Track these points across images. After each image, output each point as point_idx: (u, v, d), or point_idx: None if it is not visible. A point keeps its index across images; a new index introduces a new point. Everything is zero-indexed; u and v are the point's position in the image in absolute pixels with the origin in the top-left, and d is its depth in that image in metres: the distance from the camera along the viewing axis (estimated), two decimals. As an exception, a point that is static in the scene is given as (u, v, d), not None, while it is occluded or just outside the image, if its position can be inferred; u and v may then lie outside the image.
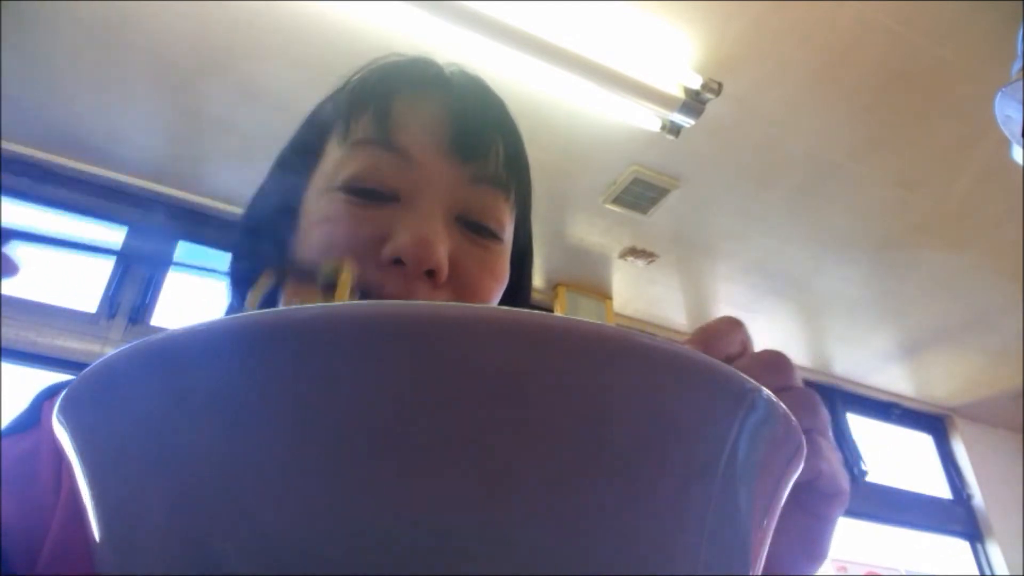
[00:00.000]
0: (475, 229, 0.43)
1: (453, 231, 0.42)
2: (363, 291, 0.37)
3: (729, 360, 0.29)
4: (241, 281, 0.46)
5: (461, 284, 0.42)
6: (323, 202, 0.42)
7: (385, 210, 0.41)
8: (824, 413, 0.30)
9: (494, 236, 0.44)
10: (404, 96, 0.45)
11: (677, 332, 2.75)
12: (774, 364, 0.30)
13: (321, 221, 0.42)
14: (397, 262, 0.39)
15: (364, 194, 0.41)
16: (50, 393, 0.44)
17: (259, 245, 0.46)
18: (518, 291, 0.50)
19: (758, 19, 1.59)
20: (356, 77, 0.48)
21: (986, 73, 1.61)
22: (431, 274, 0.39)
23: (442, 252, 0.40)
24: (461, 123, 0.44)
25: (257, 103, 1.74)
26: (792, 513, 0.29)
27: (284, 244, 0.44)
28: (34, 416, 0.42)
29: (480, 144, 0.44)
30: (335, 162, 0.43)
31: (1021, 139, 1.30)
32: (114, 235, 2.05)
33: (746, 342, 0.30)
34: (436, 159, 0.43)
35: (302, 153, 0.47)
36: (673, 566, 0.17)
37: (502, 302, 0.47)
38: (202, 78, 1.72)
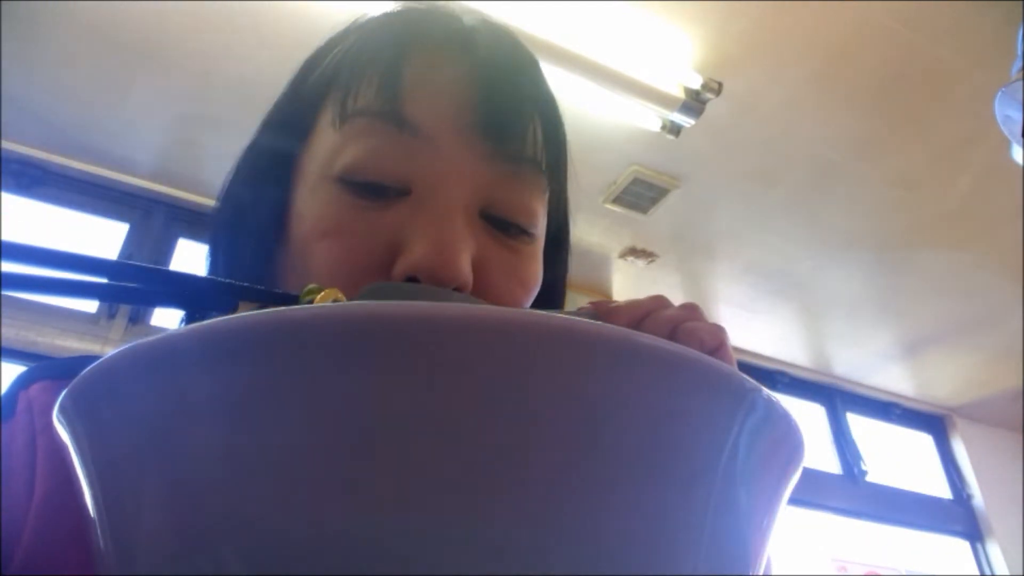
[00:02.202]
0: (503, 227, 0.36)
1: (477, 229, 0.35)
2: None
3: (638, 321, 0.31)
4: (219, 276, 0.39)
5: (484, 299, 0.35)
6: (317, 200, 0.35)
7: (394, 209, 0.34)
8: (729, 347, 0.32)
9: (525, 233, 0.37)
10: (416, 56, 0.36)
11: (677, 332, 2.74)
12: (688, 306, 0.32)
13: (315, 234, 0.35)
14: (412, 280, 0.33)
15: (367, 189, 0.34)
16: (25, 382, 0.38)
17: (239, 243, 0.40)
18: (549, 288, 0.42)
19: (758, 19, 1.59)
20: (356, 27, 0.40)
21: (986, 73, 1.61)
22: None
23: (466, 265, 0.33)
24: (489, 93, 0.36)
25: (257, 103, 1.74)
26: None
27: (268, 243, 0.38)
28: (9, 409, 0.37)
29: (513, 120, 0.36)
30: (330, 144, 0.36)
31: (1021, 139, 1.30)
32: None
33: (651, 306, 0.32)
34: (456, 139, 0.35)
35: (289, 125, 0.39)
36: (673, 566, 0.17)
37: (537, 301, 0.40)
38: (202, 78, 1.72)
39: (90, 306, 1.95)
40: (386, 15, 0.40)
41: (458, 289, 0.33)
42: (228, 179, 0.42)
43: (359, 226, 0.34)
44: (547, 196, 0.39)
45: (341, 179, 0.35)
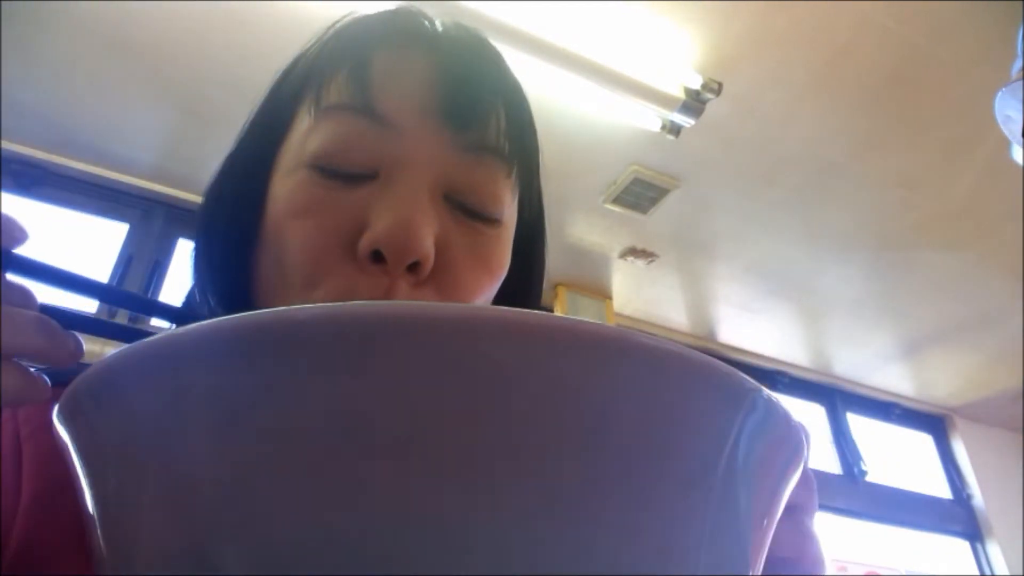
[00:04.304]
0: (468, 211, 0.38)
1: (441, 212, 0.37)
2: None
3: None
4: (203, 270, 0.42)
5: (447, 279, 0.36)
6: (288, 185, 0.37)
7: (360, 191, 0.36)
8: (816, 496, 0.32)
9: (490, 218, 0.38)
10: (385, 52, 0.38)
11: (677, 332, 2.75)
12: None
13: (286, 215, 0.36)
14: (377, 256, 0.34)
15: (334, 173, 0.36)
16: None
17: (219, 233, 0.41)
18: (526, 281, 0.44)
19: (758, 19, 1.59)
20: (331, 30, 0.42)
21: (986, 73, 1.61)
22: (415, 266, 0.34)
23: (428, 240, 0.34)
24: (453, 82, 0.38)
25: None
26: None
27: (248, 233, 0.39)
28: None
29: (475, 107, 0.38)
30: (303, 134, 0.38)
31: (1021, 139, 1.31)
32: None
33: None
34: (421, 126, 0.37)
35: (268, 125, 0.41)
36: (673, 566, 0.17)
37: (508, 295, 0.41)
38: (202, 78, 1.72)
39: (90, 306, 1.95)
40: (359, 17, 0.42)
41: (418, 264, 0.34)
42: (213, 177, 0.44)
43: (327, 205, 0.36)
44: (514, 182, 0.40)
45: (311, 164, 0.36)
